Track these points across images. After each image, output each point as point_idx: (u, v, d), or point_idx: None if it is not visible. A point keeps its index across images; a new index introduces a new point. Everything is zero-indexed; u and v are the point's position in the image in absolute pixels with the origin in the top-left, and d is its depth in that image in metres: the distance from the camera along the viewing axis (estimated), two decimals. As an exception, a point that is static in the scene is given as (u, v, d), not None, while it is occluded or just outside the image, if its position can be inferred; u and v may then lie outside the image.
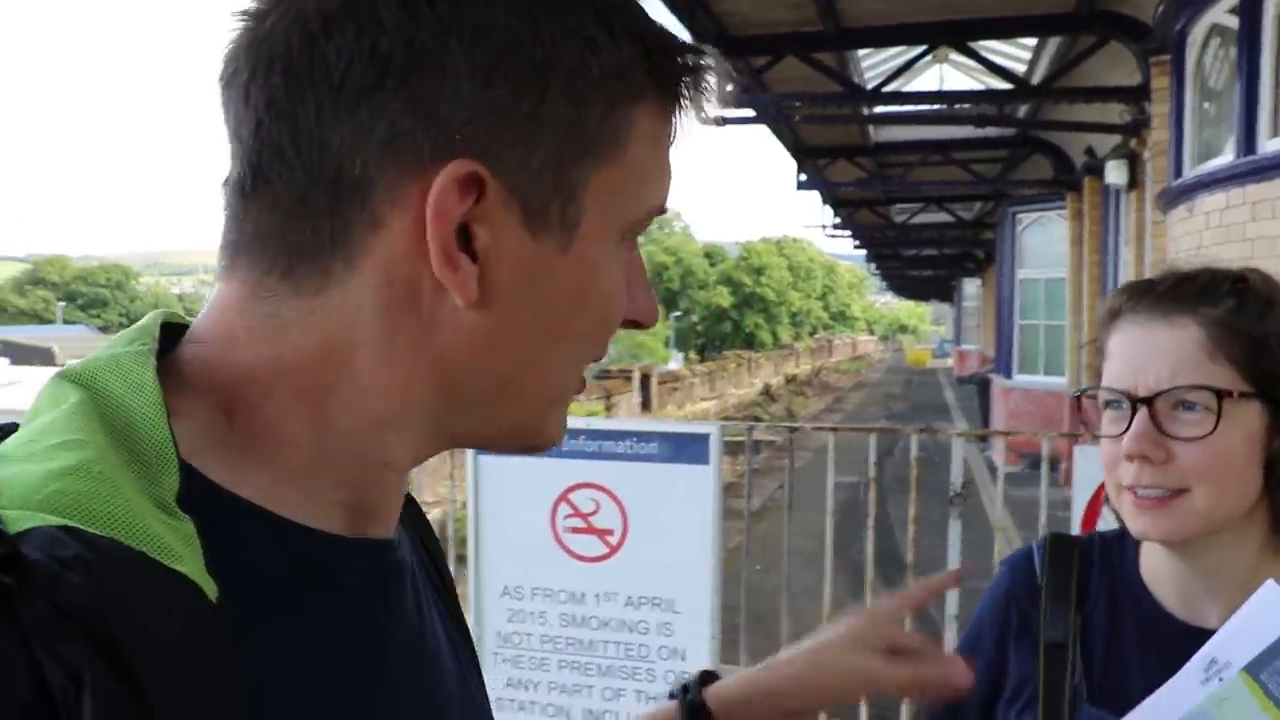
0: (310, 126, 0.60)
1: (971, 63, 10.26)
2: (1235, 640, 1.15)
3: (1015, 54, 11.87)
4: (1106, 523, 1.52)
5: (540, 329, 0.67)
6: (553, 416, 0.72)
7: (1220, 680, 1.15)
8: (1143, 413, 1.25)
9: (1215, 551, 1.29)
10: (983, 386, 20.03)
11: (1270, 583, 1.15)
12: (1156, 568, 1.37)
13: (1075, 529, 3.42)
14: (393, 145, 0.60)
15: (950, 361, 46.85)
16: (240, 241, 0.64)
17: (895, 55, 11.53)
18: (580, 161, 0.65)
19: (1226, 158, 6.74)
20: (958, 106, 11.81)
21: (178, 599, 0.51)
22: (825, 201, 20.05)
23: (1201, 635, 1.19)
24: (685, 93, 0.70)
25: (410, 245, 0.62)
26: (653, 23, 0.69)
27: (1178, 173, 7.58)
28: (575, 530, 3.82)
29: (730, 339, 75.03)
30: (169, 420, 0.58)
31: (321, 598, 0.64)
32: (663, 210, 0.73)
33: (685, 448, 3.75)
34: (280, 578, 0.61)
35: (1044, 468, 4.11)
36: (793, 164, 15.51)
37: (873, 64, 12.23)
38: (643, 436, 3.79)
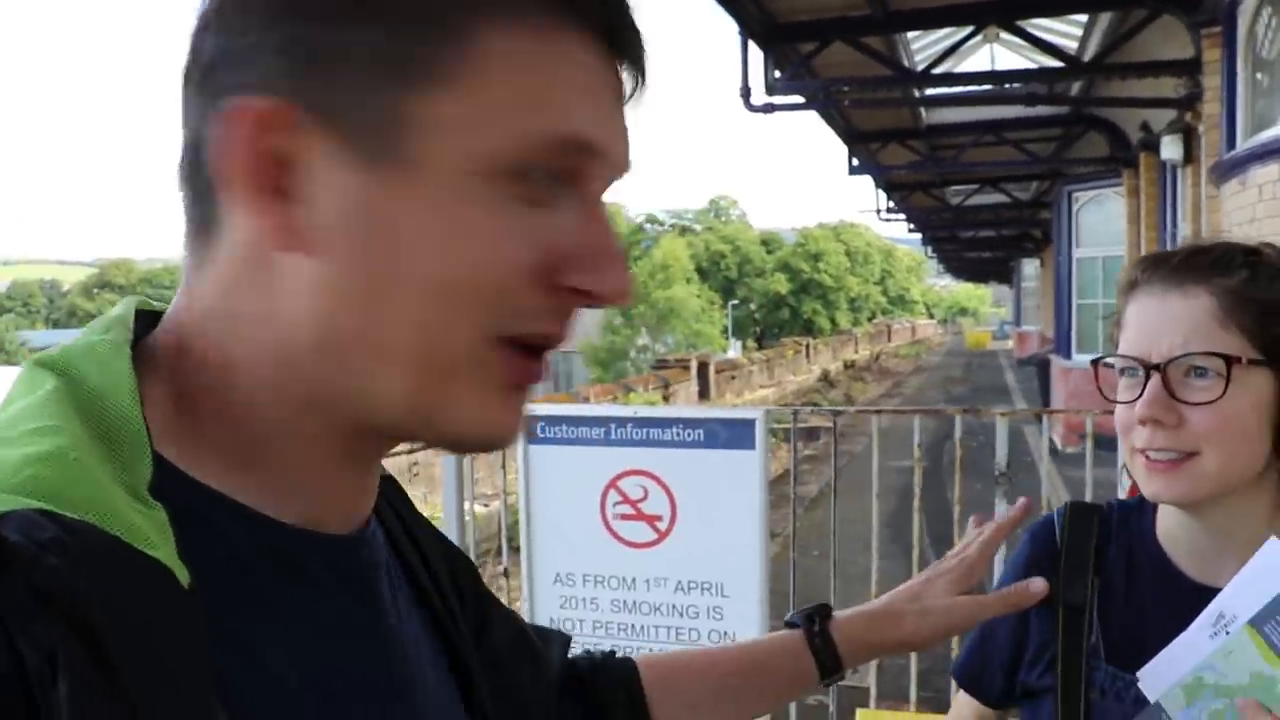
0: (185, 116, 0.63)
1: (1022, 41, 10.15)
2: (1241, 595, 1.19)
3: (1066, 30, 11.74)
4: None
5: (391, 277, 0.61)
6: (459, 396, 0.64)
7: (1227, 633, 1.19)
8: (1155, 379, 1.30)
9: (1226, 513, 1.34)
10: (1042, 367, 19.79)
11: (1273, 539, 1.19)
12: (1172, 531, 1.41)
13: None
14: (213, 107, 0.60)
15: (1010, 343, 46.28)
16: (185, 234, 0.65)
17: (944, 36, 11.45)
18: (405, 90, 0.60)
19: (1278, 129, 6.65)
20: (1009, 86, 11.69)
21: (152, 583, 0.52)
22: (879, 186, 19.94)
23: (1213, 595, 1.23)
24: (574, 14, 0.63)
25: (240, 197, 0.61)
26: None
27: (1230, 145, 7.49)
28: (625, 517, 3.86)
29: (788, 326, 74.51)
30: (143, 409, 0.59)
31: (290, 588, 0.64)
32: (585, 146, 0.64)
33: (732, 433, 3.78)
34: (249, 568, 0.62)
35: (1089, 445, 4.11)
36: (844, 149, 15.45)
37: (922, 46, 12.15)
38: (689, 423, 3.82)
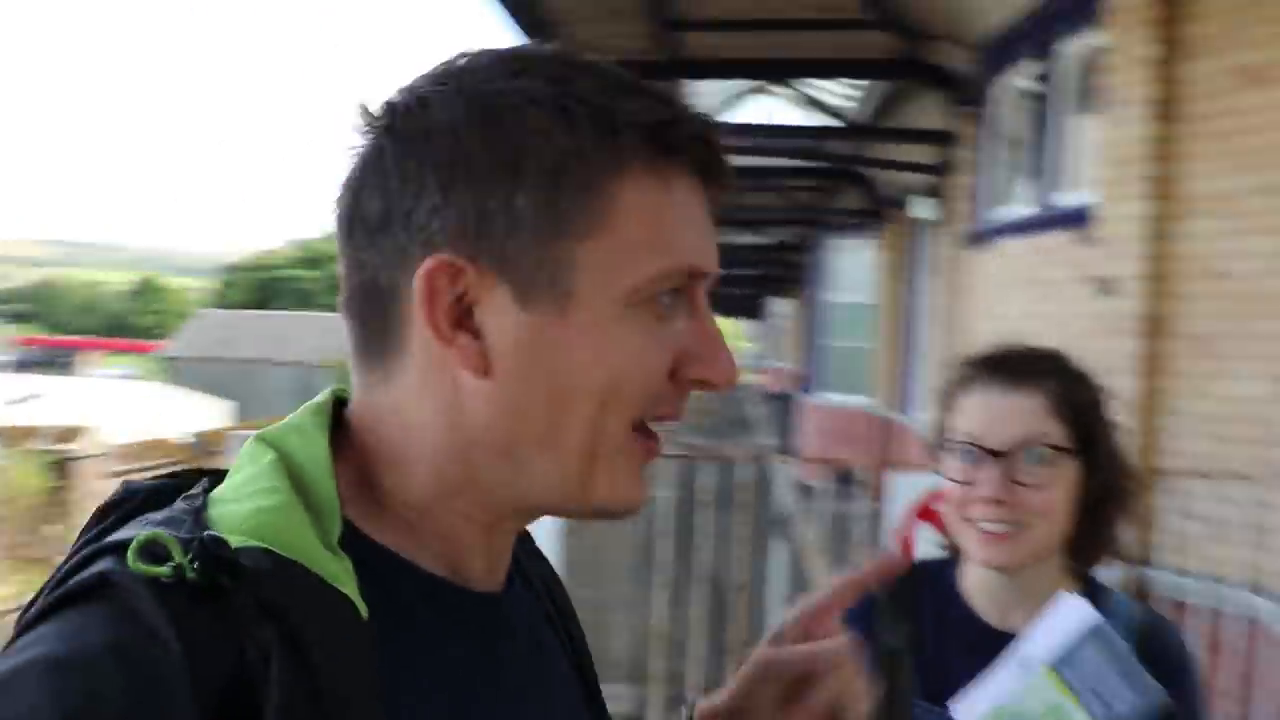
0: (356, 260, 0.78)
1: (797, 93, 10.63)
2: (1039, 641, 1.46)
3: (839, 91, 12.35)
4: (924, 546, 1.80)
5: (552, 392, 0.75)
6: (607, 476, 0.78)
7: (1029, 672, 1.45)
8: (998, 463, 1.55)
9: (1030, 573, 1.60)
10: (788, 403, 20.46)
11: (1060, 593, 1.48)
12: (977, 586, 1.66)
13: (885, 542, 3.78)
14: (401, 256, 0.75)
15: (760, 377, 47.65)
16: (350, 348, 0.81)
17: (725, 85, 11.86)
18: (560, 240, 0.74)
19: (1022, 207, 7.31)
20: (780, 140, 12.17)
21: (342, 611, 0.67)
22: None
23: (1011, 638, 1.49)
24: (676, 155, 0.77)
25: (432, 333, 0.75)
26: (623, 95, 0.77)
27: (980, 216, 8.11)
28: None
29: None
30: (335, 482, 0.75)
31: (438, 627, 0.78)
32: (695, 272, 0.79)
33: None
34: (408, 610, 0.76)
35: (860, 491, 4.49)
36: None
37: (704, 93, 12.55)
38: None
